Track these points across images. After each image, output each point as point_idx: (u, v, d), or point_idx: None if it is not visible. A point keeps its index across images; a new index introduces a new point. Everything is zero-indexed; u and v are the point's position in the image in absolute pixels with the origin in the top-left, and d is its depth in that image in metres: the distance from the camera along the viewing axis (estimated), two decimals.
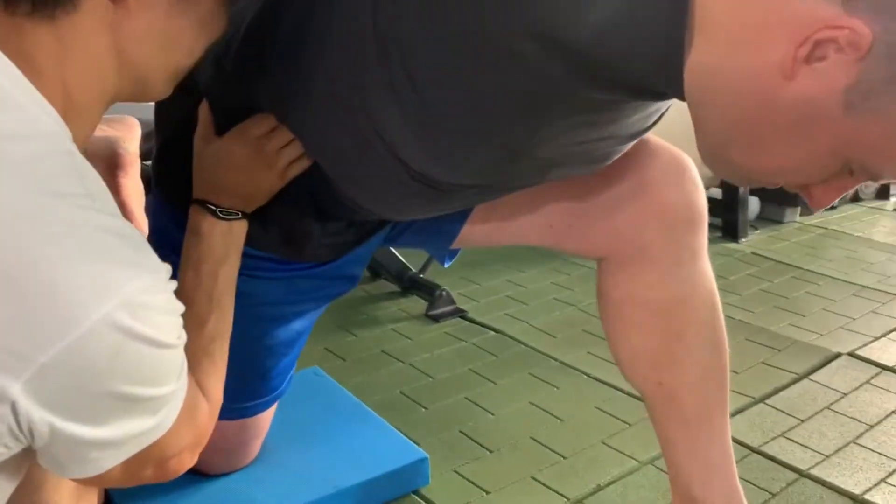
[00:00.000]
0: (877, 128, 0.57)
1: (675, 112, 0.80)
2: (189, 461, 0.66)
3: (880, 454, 1.38)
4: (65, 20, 0.56)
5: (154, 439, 0.59)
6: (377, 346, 1.72)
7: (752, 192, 2.83)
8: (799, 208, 2.92)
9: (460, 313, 1.90)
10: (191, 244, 0.80)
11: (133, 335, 0.51)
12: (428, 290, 1.93)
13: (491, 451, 1.34)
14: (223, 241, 0.80)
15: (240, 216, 0.82)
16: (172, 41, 0.62)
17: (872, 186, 3.33)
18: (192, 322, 0.74)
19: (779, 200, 2.89)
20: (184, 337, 0.59)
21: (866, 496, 1.25)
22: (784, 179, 0.67)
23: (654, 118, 0.84)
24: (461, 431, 1.39)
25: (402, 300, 1.97)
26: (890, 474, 1.32)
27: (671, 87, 0.65)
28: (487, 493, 1.22)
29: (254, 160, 0.80)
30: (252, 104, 0.82)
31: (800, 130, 0.60)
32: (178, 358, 0.59)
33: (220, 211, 0.81)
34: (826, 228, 2.84)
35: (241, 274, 0.83)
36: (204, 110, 0.84)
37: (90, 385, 0.51)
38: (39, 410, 0.51)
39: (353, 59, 0.71)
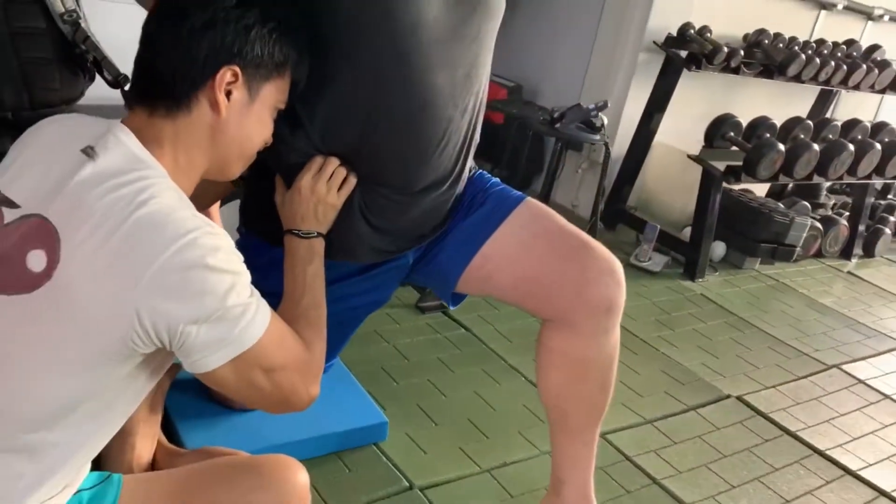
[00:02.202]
0: None
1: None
2: (302, 387, 1.04)
3: (720, 477, 1.85)
4: (182, 119, 1.00)
5: (244, 347, 0.93)
6: (372, 325, 2.20)
7: (719, 237, 3.26)
8: (759, 259, 3.35)
9: (443, 309, 2.38)
10: (287, 259, 1.24)
11: (195, 262, 0.87)
12: (421, 285, 2.41)
13: (436, 424, 1.83)
14: (307, 252, 1.24)
15: (316, 235, 1.25)
16: (244, 134, 1.07)
17: (836, 246, 3.73)
18: (290, 303, 1.19)
19: (743, 249, 3.31)
20: (245, 273, 0.94)
21: None
22: None
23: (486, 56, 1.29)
24: (418, 405, 1.88)
25: (399, 289, 2.43)
26: (720, 493, 1.80)
27: None
28: (425, 453, 1.71)
29: (313, 193, 1.24)
30: (299, 162, 1.25)
31: None
32: (235, 282, 0.91)
33: (301, 233, 1.25)
34: (777, 281, 3.26)
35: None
36: (279, 178, 1.31)
37: (180, 295, 0.87)
38: (152, 313, 0.86)
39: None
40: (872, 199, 3.84)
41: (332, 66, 1.16)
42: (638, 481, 1.78)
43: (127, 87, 1.77)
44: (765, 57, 3.38)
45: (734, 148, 3.18)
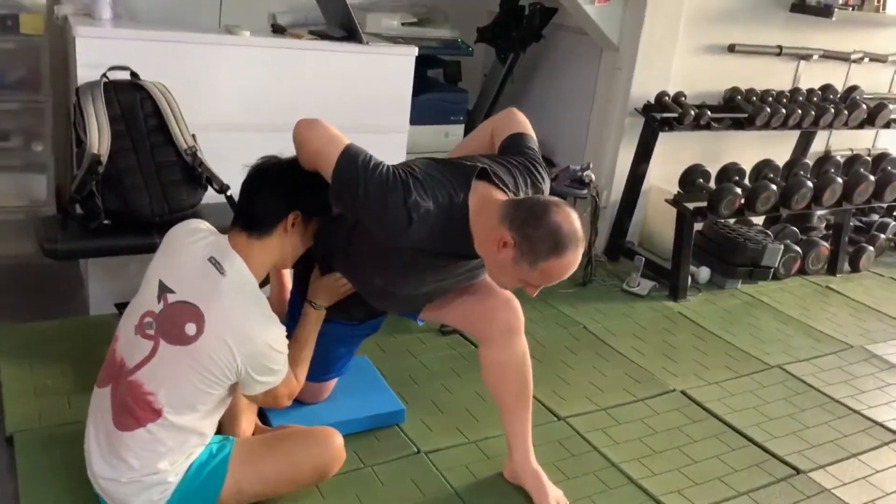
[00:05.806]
0: (526, 270, 1.83)
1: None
2: (286, 402, 1.99)
3: (647, 446, 2.55)
4: (266, 239, 1.89)
5: (273, 387, 1.88)
6: (405, 346, 3.03)
7: (704, 263, 3.93)
8: (739, 280, 3.98)
9: (460, 333, 3.18)
10: (302, 317, 2.13)
11: (271, 348, 1.82)
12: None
13: (442, 413, 2.62)
14: (315, 318, 2.13)
15: (323, 309, 2.14)
16: (298, 246, 1.96)
17: (819, 264, 4.30)
18: (296, 348, 2.07)
19: (723, 272, 3.96)
20: (286, 351, 1.90)
21: (622, 465, 2.45)
22: (508, 285, 1.96)
23: (479, 271, 2.10)
24: (432, 400, 2.68)
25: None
26: (644, 456, 2.50)
27: (475, 256, 1.95)
28: (431, 431, 2.51)
29: (331, 288, 2.13)
30: (333, 268, 2.14)
31: (505, 269, 1.88)
32: (284, 360, 1.87)
33: (315, 305, 2.14)
34: (754, 298, 3.88)
35: (325, 324, 2.16)
36: (316, 269, 2.18)
37: (259, 366, 1.81)
38: (243, 368, 1.81)
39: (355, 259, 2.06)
40: (859, 222, 4.39)
41: (346, 260, 2.11)
42: (582, 449, 2.51)
43: (228, 193, 2.70)
44: (737, 111, 4.04)
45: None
